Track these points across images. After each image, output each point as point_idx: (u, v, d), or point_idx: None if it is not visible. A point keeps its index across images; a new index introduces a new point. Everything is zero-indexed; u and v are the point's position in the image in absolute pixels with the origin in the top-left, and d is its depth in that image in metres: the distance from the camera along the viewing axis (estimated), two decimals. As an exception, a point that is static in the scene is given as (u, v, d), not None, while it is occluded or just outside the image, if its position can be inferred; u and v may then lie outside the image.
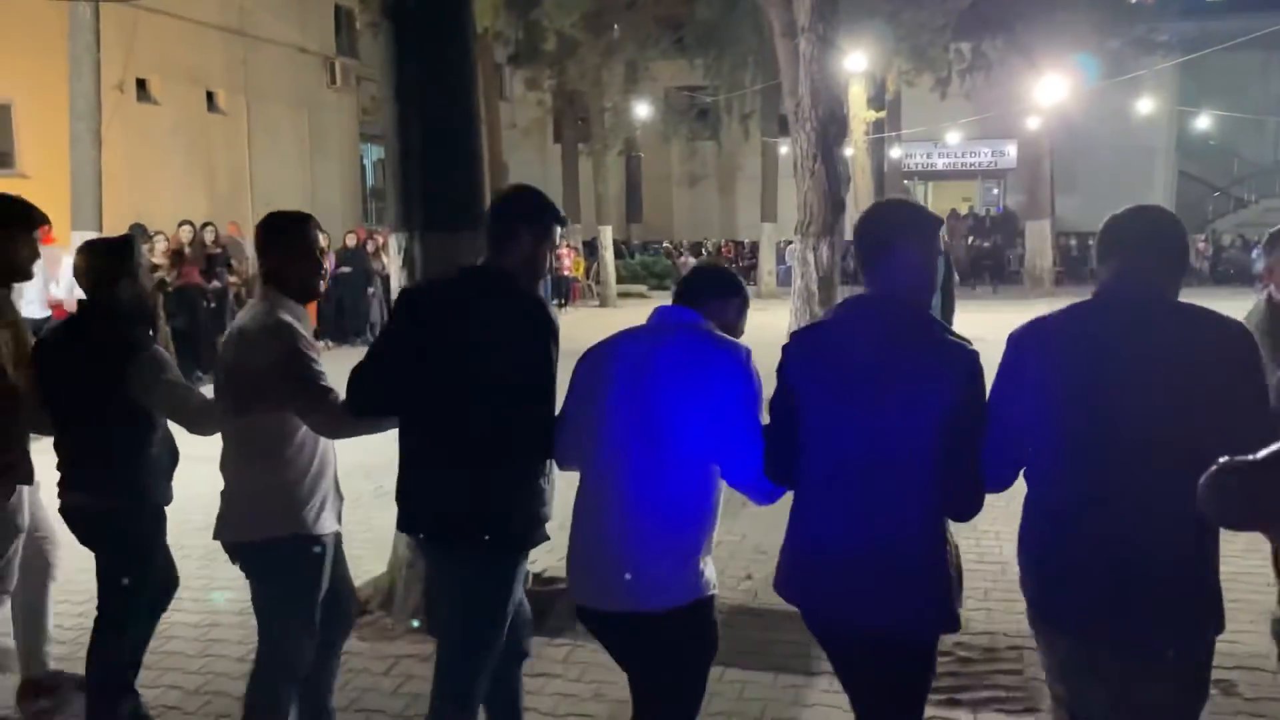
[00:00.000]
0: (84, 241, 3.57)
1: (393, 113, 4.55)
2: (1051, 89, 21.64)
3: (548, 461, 2.77)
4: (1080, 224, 30.03)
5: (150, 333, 3.49)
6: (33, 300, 9.72)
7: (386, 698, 3.90)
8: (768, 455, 2.47)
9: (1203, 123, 31.46)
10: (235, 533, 3.01)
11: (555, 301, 20.65)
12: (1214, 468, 1.72)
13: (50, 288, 10.27)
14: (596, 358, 2.67)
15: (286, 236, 3.05)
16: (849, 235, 9.20)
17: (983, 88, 24.15)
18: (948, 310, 8.06)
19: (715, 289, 2.72)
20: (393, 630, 4.49)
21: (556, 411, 2.76)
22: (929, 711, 2.57)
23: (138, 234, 13.67)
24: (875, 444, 2.30)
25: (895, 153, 27.07)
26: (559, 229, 2.91)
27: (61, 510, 3.41)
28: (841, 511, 2.33)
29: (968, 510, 2.34)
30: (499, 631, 2.79)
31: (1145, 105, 26.99)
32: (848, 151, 20.99)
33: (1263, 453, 1.68)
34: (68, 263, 10.13)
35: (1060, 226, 28.19)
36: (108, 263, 3.37)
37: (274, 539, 2.96)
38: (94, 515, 3.35)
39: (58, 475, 3.42)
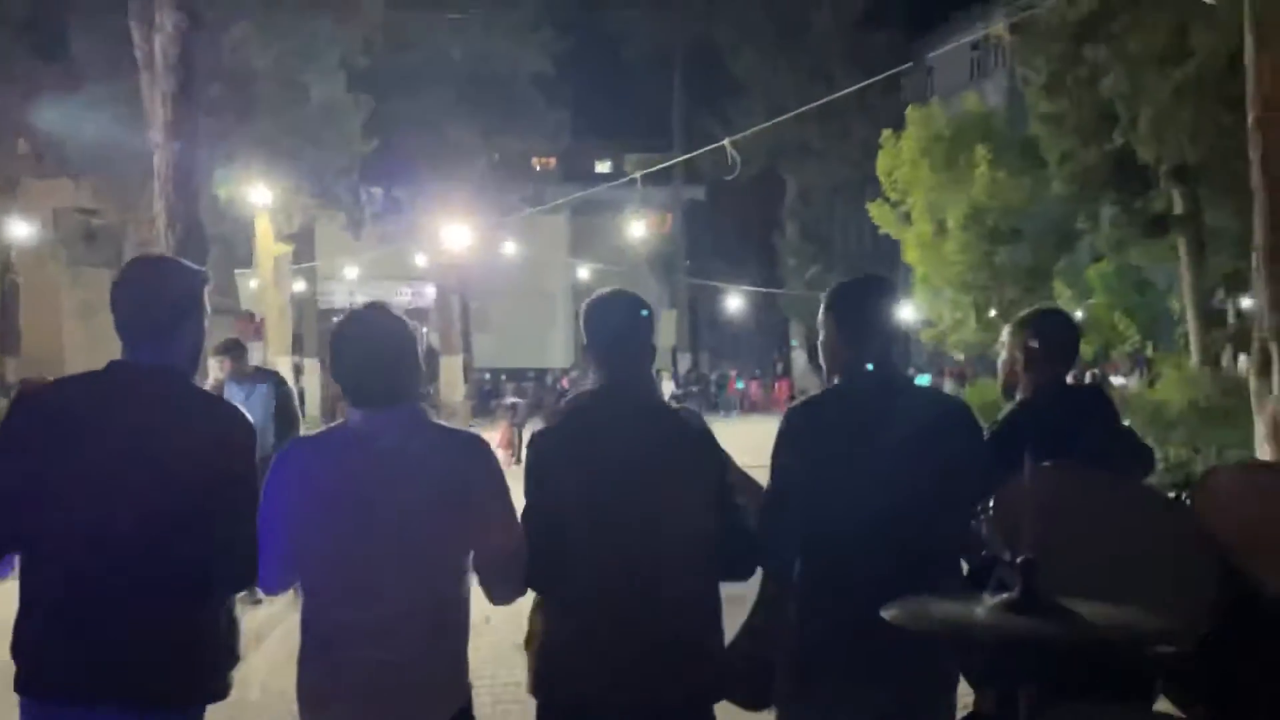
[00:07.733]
0: None
1: None
2: (456, 236, 23.36)
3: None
4: (496, 361, 33.83)
5: None
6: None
7: None
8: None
9: (583, 273, 36.43)
10: None
11: None
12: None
13: None
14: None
15: None
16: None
17: (395, 229, 25.35)
18: None
19: None
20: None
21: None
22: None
23: None
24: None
25: (303, 286, 25.82)
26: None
27: None
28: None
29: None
30: None
31: (544, 256, 30.47)
32: (253, 284, 20.25)
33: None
34: None
35: (478, 363, 31.39)
36: None
37: None
38: None
39: None
